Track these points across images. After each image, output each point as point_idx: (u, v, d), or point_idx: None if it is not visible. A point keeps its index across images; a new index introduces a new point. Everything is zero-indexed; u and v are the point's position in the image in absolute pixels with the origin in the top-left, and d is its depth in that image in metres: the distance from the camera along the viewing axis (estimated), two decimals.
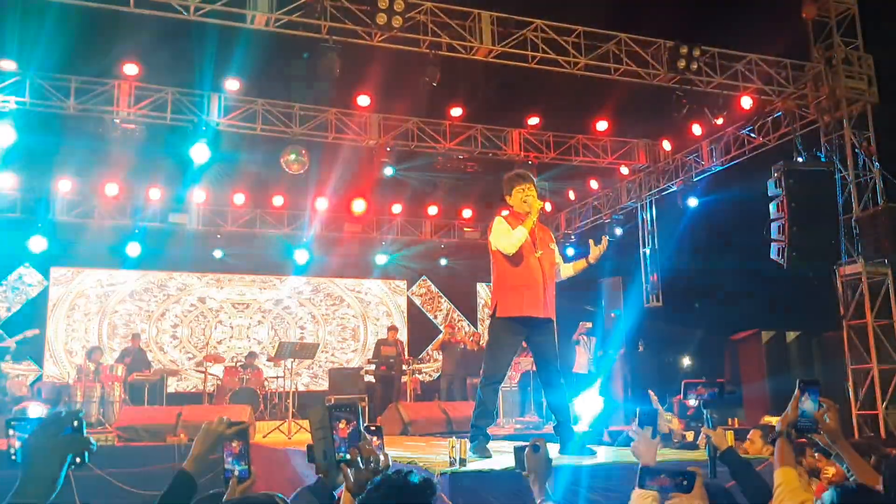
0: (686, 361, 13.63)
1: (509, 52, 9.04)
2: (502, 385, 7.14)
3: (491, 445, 4.62)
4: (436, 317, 16.24)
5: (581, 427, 8.08)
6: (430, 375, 14.79)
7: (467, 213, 14.87)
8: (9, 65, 9.32)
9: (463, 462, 3.85)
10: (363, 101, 10.41)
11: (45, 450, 1.52)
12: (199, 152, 10.01)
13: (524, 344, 5.05)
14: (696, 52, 9.27)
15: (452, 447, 3.88)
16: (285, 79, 10.08)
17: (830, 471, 4.18)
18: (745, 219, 10.44)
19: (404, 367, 11.80)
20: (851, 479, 2.32)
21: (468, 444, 4.15)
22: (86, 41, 8.52)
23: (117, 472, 7.28)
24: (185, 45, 8.73)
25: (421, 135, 11.45)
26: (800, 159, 9.50)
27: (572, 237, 14.71)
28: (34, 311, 13.35)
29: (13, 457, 1.71)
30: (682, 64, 9.22)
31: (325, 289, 15.62)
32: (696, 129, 10.75)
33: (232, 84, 10.10)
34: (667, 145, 12.29)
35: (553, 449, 4.79)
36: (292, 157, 10.61)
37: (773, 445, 2.45)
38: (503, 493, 3.52)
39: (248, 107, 10.60)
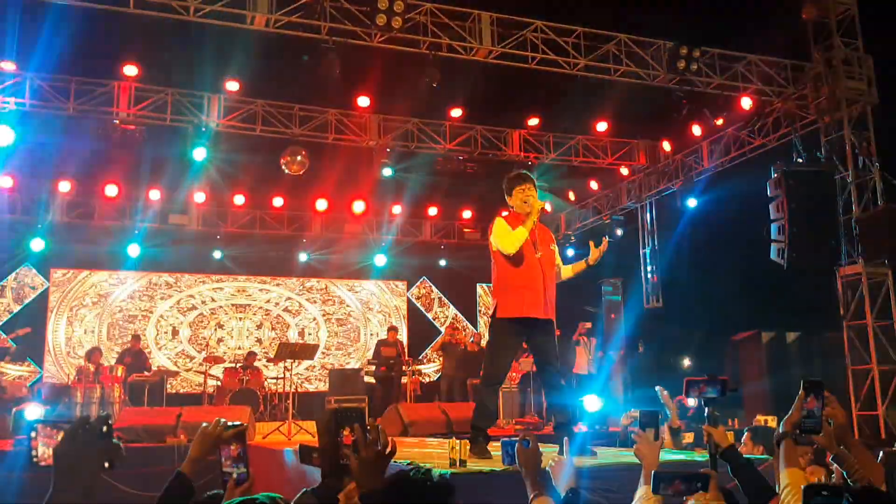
0: (686, 362, 13.62)
1: (509, 53, 9.05)
2: (502, 386, 7.16)
3: (491, 446, 4.62)
4: (436, 317, 16.24)
5: (581, 427, 8.07)
6: (430, 376, 14.80)
7: (467, 213, 14.88)
8: (9, 66, 9.32)
9: (463, 463, 3.85)
10: (363, 101, 10.42)
11: (77, 457, 1.50)
12: (200, 153, 10.08)
13: (524, 345, 5.05)
14: (696, 53, 9.27)
15: (452, 448, 3.88)
16: (285, 80, 10.08)
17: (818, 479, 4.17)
18: (745, 219, 10.45)
19: (404, 367, 11.79)
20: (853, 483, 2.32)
21: (468, 445, 4.15)
22: (86, 42, 8.51)
23: (117, 473, 7.26)
24: (185, 46, 8.74)
25: (421, 135, 11.46)
26: (800, 160, 9.50)
27: (572, 238, 14.71)
28: (34, 312, 13.35)
29: (35, 459, 1.68)
30: (681, 65, 9.22)
31: (325, 289, 15.62)
32: (696, 130, 10.76)
33: (232, 85, 10.10)
34: (667, 146, 12.29)
35: (553, 450, 4.80)
36: (292, 157, 10.62)
37: (764, 447, 2.46)
38: (503, 494, 3.52)
39: (248, 108, 10.61)
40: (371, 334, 15.55)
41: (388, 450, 2.07)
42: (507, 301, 4.77)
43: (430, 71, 8.67)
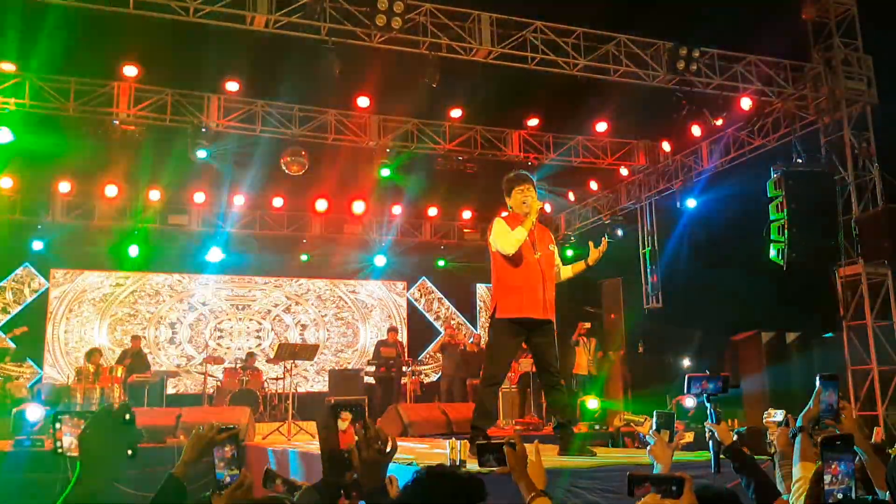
0: (686, 362, 13.61)
1: (509, 54, 9.05)
2: (502, 386, 7.15)
3: None
4: (436, 318, 16.23)
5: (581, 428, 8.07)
6: (430, 377, 14.79)
7: (467, 214, 14.87)
8: (9, 66, 9.32)
9: (463, 463, 3.85)
10: (363, 102, 10.41)
11: (101, 445, 1.50)
12: (200, 154, 10.11)
13: (524, 345, 5.05)
14: (696, 53, 9.27)
15: (452, 448, 3.88)
16: (285, 80, 10.08)
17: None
18: (745, 220, 10.44)
19: (404, 368, 11.80)
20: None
21: (468, 446, 4.15)
22: (86, 42, 8.51)
23: None
24: (185, 46, 8.73)
25: (420, 136, 11.46)
26: (799, 160, 9.50)
27: (572, 238, 14.71)
28: (34, 313, 13.34)
29: (59, 450, 1.69)
30: (681, 65, 9.22)
31: (325, 290, 15.61)
32: (696, 130, 10.74)
33: (231, 85, 10.10)
34: (666, 146, 12.29)
35: (553, 450, 4.80)
36: (292, 158, 10.63)
37: (792, 441, 2.45)
38: (503, 494, 3.51)
39: (248, 108, 10.61)
40: (371, 335, 15.55)
41: (389, 448, 2.07)
42: (506, 301, 4.77)
43: (429, 71, 8.66)
